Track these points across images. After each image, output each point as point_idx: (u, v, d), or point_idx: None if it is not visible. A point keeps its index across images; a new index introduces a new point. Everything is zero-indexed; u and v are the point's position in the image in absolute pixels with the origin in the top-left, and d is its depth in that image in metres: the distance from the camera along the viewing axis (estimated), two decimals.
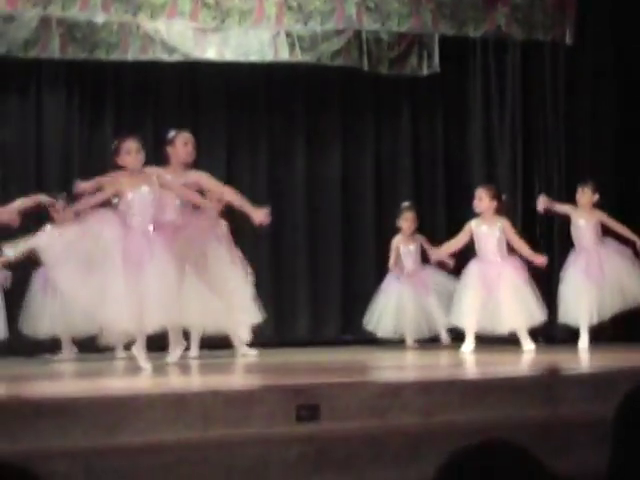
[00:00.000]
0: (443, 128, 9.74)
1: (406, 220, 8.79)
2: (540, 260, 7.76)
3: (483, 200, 7.90)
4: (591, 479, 1.96)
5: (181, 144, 6.90)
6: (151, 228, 6.35)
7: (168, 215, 6.75)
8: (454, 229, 8.30)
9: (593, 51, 8.80)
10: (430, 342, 8.68)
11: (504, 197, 8.05)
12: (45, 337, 7.70)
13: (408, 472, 4.48)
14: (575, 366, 6.62)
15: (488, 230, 7.87)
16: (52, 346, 7.78)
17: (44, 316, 7.55)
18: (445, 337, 8.62)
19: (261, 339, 7.99)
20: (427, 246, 8.71)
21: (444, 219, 9.53)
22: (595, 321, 7.78)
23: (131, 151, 6.43)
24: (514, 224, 8.14)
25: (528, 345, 7.65)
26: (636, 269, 7.85)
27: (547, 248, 8.52)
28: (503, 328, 7.66)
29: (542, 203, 8.02)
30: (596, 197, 7.98)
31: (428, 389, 5.05)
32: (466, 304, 7.81)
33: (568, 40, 8.73)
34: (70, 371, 7.19)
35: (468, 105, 9.53)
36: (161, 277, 6.15)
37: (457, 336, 8.22)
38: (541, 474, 1.62)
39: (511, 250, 7.88)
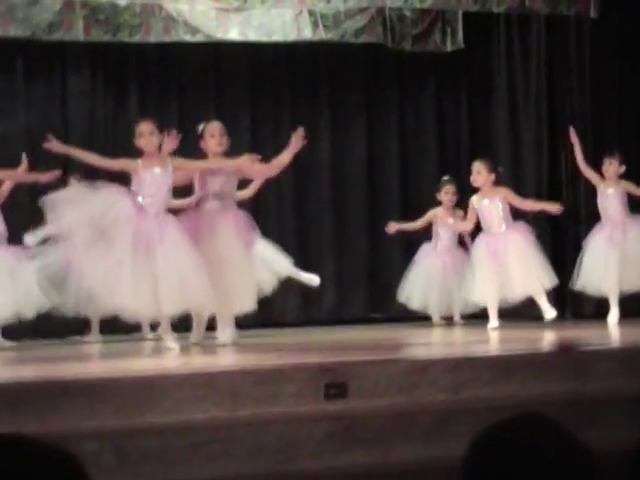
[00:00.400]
0: (467, 104, 9.68)
1: (447, 193, 8.69)
2: (555, 208, 7.84)
3: (482, 174, 7.94)
4: (620, 455, 1.95)
5: (209, 136, 6.75)
6: (163, 210, 6.35)
7: (184, 199, 6.76)
8: None
9: (618, 24, 8.72)
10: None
11: (500, 169, 8.05)
12: (72, 315, 7.70)
13: (436, 449, 4.49)
14: (604, 341, 6.59)
15: (490, 203, 7.90)
16: (81, 327, 7.83)
17: (69, 293, 7.53)
18: (458, 320, 8.56)
19: (287, 318, 7.99)
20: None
21: (469, 197, 9.48)
22: (619, 290, 7.72)
23: (144, 134, 6.47)
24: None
25: (550, 313, 7.61)
26: None
27: (574, 224, 8.49)
28: (518, 295, 7.65)
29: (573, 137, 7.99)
30: (623, 169, 7.95)
31: (456, 366, 5.05)
32: (481, 281, 7.78)
33: (593, 14, 8.66)
34: (98, 352, 7.23)
35: (493, 81, 9.46)
36: (173, 260, 6.11)
37: (479, 313, 8.18)
38: (575, 448, 1.61)
39: (515, 216, 7.89)
